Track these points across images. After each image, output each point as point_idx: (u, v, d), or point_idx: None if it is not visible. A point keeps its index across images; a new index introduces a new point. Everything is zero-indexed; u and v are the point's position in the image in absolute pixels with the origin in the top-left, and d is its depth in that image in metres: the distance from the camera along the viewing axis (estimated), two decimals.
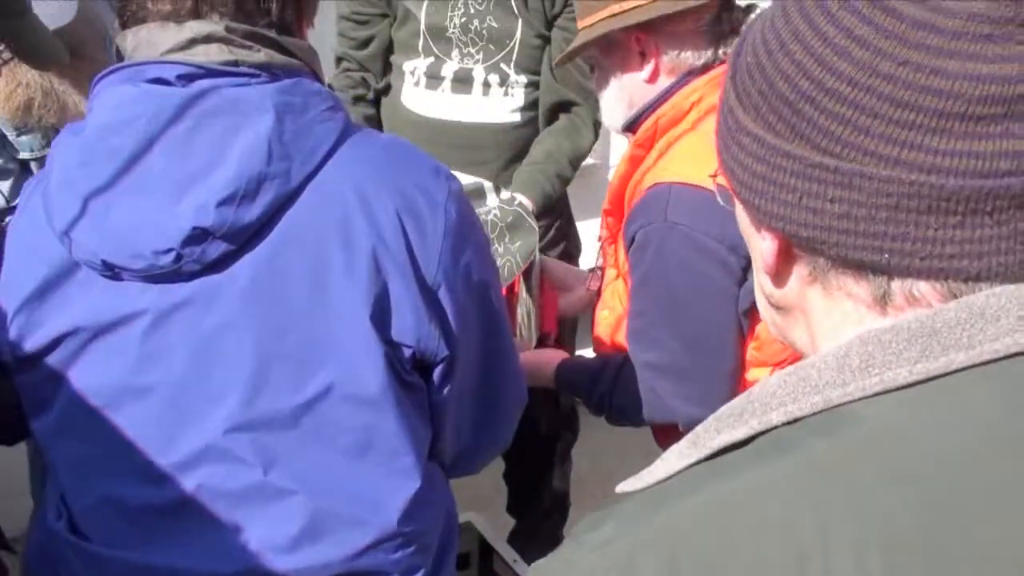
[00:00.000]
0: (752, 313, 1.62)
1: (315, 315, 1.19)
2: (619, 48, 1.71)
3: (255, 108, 1.17)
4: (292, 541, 1.24)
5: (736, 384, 1.67)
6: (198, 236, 1.15)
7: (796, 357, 0.78)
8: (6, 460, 2.16)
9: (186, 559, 1.24)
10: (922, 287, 0.66)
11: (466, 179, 2.06)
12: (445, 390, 1.31)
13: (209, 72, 1.18)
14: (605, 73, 1.76)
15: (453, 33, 2.28)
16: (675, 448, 0.69)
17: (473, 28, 2.26)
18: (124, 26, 1.24)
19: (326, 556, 1.26)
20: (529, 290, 1.99)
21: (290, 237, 1.19)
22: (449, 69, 2.32)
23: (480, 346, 1.34)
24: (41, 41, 1.76)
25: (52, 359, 1.25)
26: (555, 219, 2.42)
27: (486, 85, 2.31)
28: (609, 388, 1.77)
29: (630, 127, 1.76)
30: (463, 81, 2.31)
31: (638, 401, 1.72)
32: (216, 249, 1.17)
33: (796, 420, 0.65)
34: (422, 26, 2.30)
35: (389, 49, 2.40)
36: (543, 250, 2.21)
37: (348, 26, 2.42)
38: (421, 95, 2.37)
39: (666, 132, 1.67)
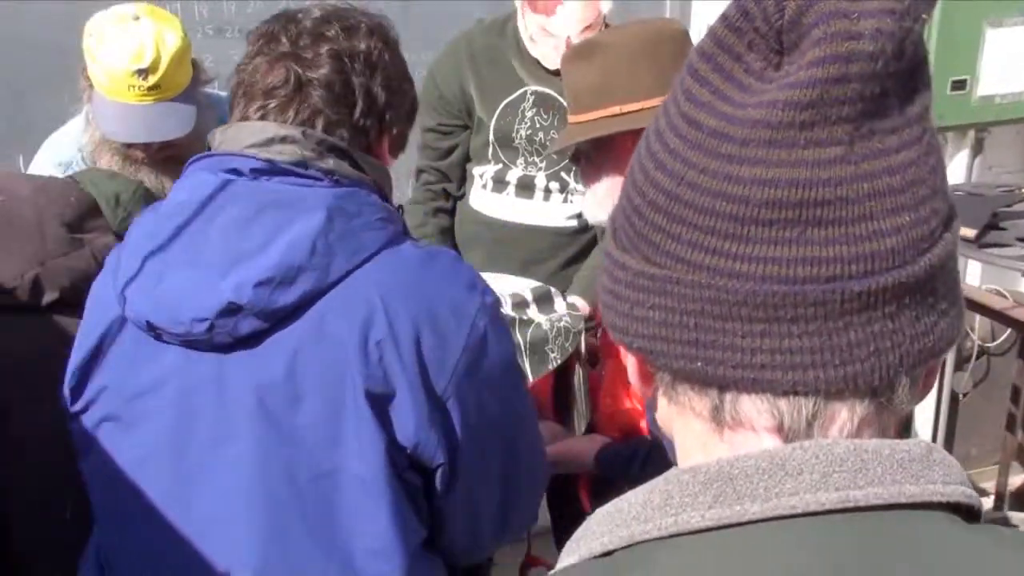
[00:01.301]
0: None
1: (326, 404, 1.28)
2: (616, 147, 1.77)
3: (310, 207, 1.29)
4: None
5: None
6: (231, 311, 1.27)
7: None
8: None
9: None
10: (745, 406, 0.65)
11: (534, 285, 2.22)
12: (450, 494, 1.37)
13: (280, 170, 1.31)
14: (596, 169, 1.81)
15: (519, 144, 2.48)
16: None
17: (538, 140, 2.46)
18: (233, 103, 1.41)
19: None
20: (582, 381, 2.11)
21: (317, 326, 1.29)
22: (514, 175, 2.51)
23: (500, 455, 1.40)
24: None
25: (97, 410, 1.38)
26: None
27: (547, 191, 2.49)
28: (639, 472, 1.86)
29: None
30: (526, 187, 2.50)
31: None
32: (248, 325, 1.28)
33: (610, 552, 0.66)
34: (491, 136, 2.50)
35: (467, 157, 2.59)
36: None
37: (432, 137, 2.59)
38: (488, 198, 2.56)
39: None
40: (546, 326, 2.19)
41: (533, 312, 2.25)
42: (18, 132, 2.84)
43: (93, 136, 2.23)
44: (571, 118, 1.85)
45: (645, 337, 0.67)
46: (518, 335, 2.29)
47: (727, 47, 0.64)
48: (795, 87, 0.60)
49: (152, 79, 2.11)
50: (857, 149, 0.60)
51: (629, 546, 0.65)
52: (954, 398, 3.99)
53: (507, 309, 2.33)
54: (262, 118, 1.36)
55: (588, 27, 2.33)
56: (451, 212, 2.66)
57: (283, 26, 1.39)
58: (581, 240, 2.53)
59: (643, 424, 1.89)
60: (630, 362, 0.73)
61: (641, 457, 1.88)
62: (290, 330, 1.29)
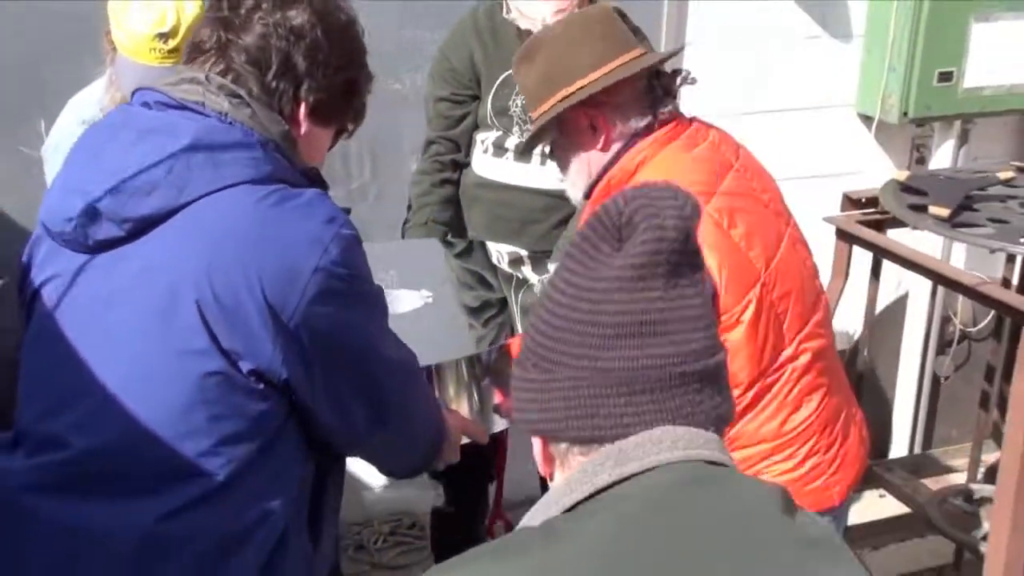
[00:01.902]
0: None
1: (159, 313, 1.44)
2: (573, 126, 1.97)
3: (181, 134, 1.46)
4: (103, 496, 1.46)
5: None
6: (90, 213, 1.45)
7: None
8: None
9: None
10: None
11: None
12: (313, 401, 1.50)
13: (181, 106, 1.50)
14: (565, 152, 2.02)
15: (514, 112, 2.66)
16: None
17: None
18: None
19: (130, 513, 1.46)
20: None
21: (167, 240, 1.45)
22: (512, 142, 2.68)
23: (359, 367, 1.53)
24: None
25: (29, 302, 1.57)
26: None
27: (543, 156, 2.61)
28: None
29: (588, 194, 2.01)
30: (524, 152, 2.62)
31: None
32: (106, 230, 1.46)
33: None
34: (488, 108, 2.68)
35: (475, 125, 2.76)
36: None
37: (446, 107, 2.77)
38: (489, 162, 2.73)
39: (617, 189, 1.88)
40: (537, 288, 2.33)
41: (528, 271, 2.39)
42: (39, 98, 2.95)
43: (114, 97, 2.37)
44: (532, 115, 2.03)
45: (552, 420, 1.02)
46: (512, 295, 2.43)
47: (588, 240, 1.02)
48: (634, 256, 0.99)
49: (172, 43, 2.25)
50: (669, 292, 0.99)
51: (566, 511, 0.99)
52: (935, 381, 4.11)
53: (504, 265, 2.47)
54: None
55: (560, 10, 2.48)
56: (456, 183, 2.81)
57: None
58: (572, 204, 2.66)
59: None
60: (536, 446, 1.06)
61: None
62: (143, 241, 1.46)
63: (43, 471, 1.50)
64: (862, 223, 2.92)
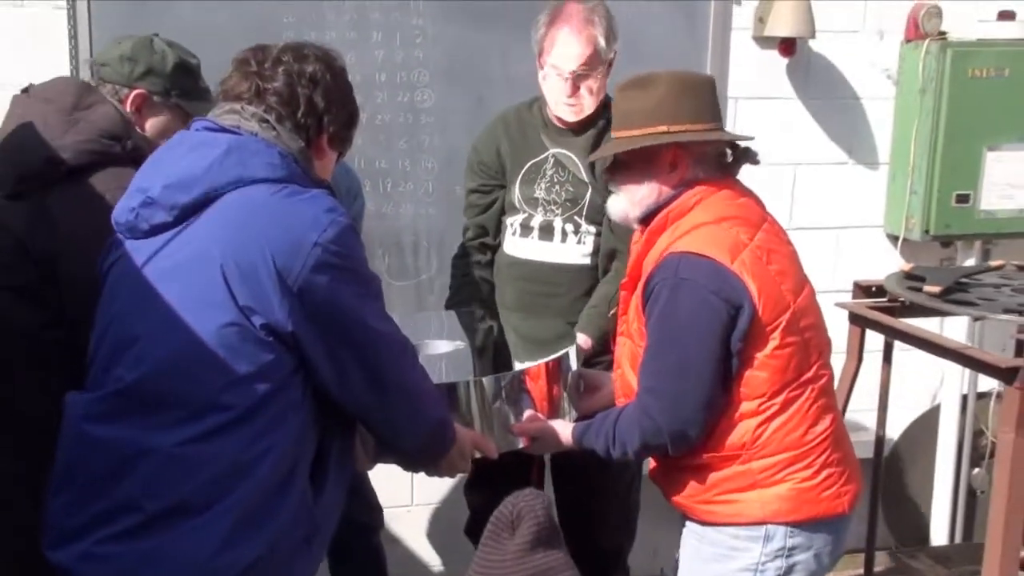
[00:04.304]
0: (743, 356, 2.17)
1: (194, 275, 1.81)
2: (657, 157, 2.28)
3: (219, 144, 1.88)
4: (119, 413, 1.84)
5: (712, 414, 2.19)
6: (147, 203, 1.88)
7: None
8: None
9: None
10: None
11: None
12: (312, 350, 1.84)
13: (222, 128, 1.93)
14: (638, 175, 2.31)
15: (539, 196, 3.02)
16: None
17: (554, 192, 2.99)
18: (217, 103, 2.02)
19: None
20: (565, 385, 2.53)
21: (204, 224, 1.85)
22: (536, 221, 3.03)
23: (352, 328, 1.86)
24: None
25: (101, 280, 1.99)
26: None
27: (564, 233, 2.99)
28: (612, 427, 2.29)
29: (643, 220, 2.33)
30: (547, 230, 3.01)
31: (634, 427, 2.24)
32: (158, 216, 1.87)
33: None
34: (516, 191, 3.05)
35: (503, 211, 3.13)
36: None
37: (476, 197, 3.16)
38: (517, 242, 3.07)
39: (675, 221, 2.25)
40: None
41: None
42: None
43: None
44: (620, 133, 2.34)
45: None
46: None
47: (495, 531, 1.53)
48: (521, 541, 1.52)
49: None
50: (548, 554, 1.54)
51: None
52: (971, 494, 4.21)
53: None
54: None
55: (584, 63, 2.86)
56: (489, 264, 3.18)
57: (254, 54, 2.01)
58: (593, 275, 3.01)
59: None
60: None
61: (613, 416, 2.32)
62: (185, 226, 1.88)
63: (101, 402, 1.88)
64: (873, 308, 3.17)
